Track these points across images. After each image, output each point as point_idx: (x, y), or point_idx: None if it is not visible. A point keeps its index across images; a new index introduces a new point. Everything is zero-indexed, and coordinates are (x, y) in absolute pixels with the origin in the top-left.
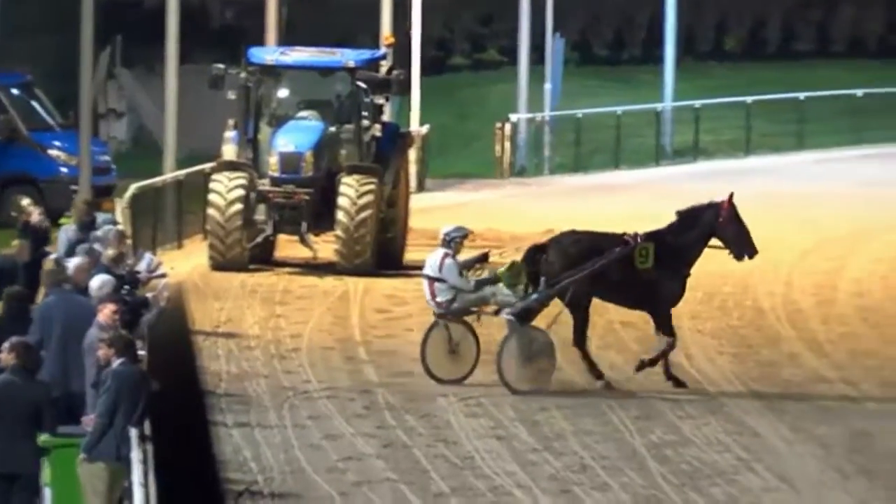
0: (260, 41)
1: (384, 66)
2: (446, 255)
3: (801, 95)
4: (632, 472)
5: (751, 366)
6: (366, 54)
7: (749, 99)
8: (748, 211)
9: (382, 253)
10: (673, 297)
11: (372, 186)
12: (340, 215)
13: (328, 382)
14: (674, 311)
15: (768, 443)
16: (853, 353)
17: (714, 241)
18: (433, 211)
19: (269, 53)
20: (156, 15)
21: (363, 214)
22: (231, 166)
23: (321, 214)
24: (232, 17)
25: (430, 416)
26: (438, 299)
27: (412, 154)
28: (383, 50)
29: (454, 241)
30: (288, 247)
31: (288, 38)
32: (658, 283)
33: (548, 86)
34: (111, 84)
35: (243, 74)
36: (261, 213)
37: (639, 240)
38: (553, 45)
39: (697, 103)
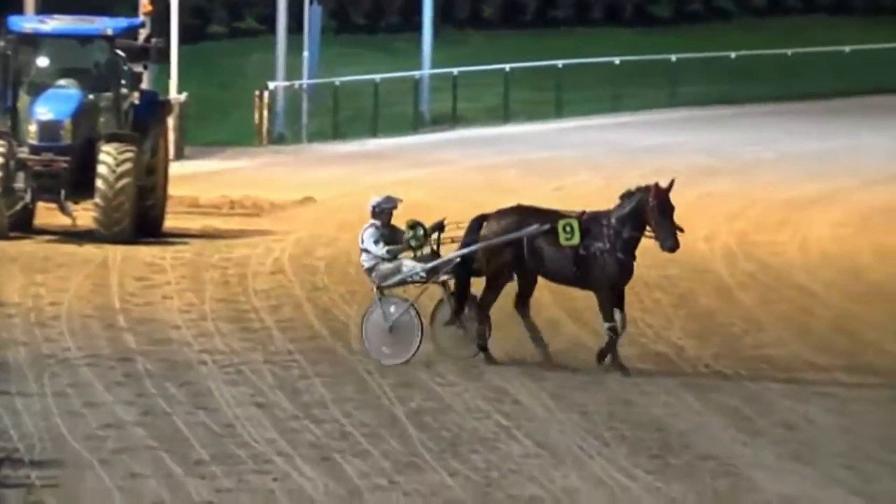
0: (19, 9)
1: (142, 34)
2: (371, 224)
3: (559, 63)
4: (392, 439)
5: (511, 333)
6: (124, 22)
7: (507, 66)
8: (507, 179)
9: (141, 221)
10: (602, 276)
11: (131, 155)
12: (99, 183)
13: (88, 350)
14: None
15: (529, 410)
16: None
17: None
18: (192, 179)
19: (28, 21)
20: None
21: (122, 182)
22: None
23: (80, 182)
24: None
25: (190, 383)
26: (365, 268)
27: (171, 122)
28: (141, 18)
29: (384, 211)
30: (47, 215)
31: (46, 6)
32: (587, 260)
33: (306, 54)
34: None
35: (2, 43)
36: (20, 181)
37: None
38: (310, 13)
39: (455, 71)
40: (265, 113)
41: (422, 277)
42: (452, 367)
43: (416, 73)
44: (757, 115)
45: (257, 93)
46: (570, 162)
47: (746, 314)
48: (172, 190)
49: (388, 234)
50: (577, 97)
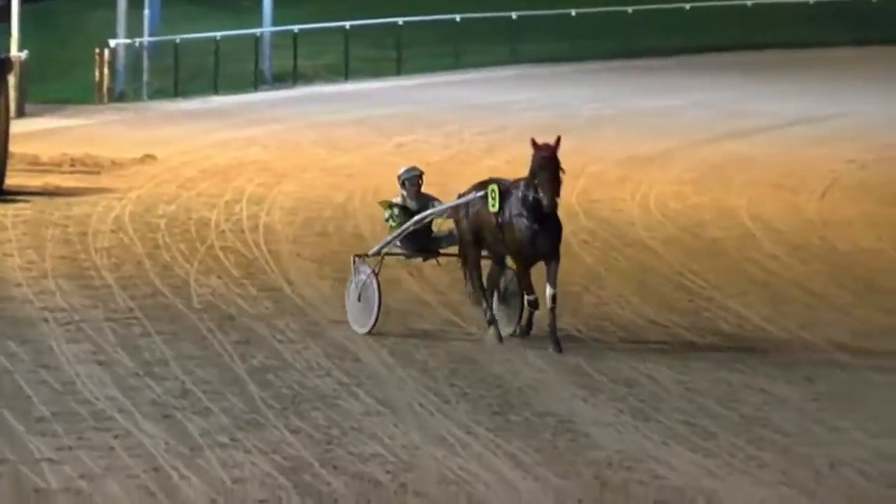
0: None
1: None
2: (399, 195)
3: (400, 20)
4: (233, 396)
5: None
6: None
7: (347, 24)
8: (347, 136)
9: None
10: (514, 243)
11: None
12: None
13: None
14: (273, 234)
15: (369, 367)
16: (456, 278)
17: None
18: (33, 136)
19: None
20: None
21: None
22: None
23: None
24: None
25: (32, 341)
26: None
27: (11, 80)
28: None
29: (405, 182)
30: None
31: None
32: (504, 227)
33: (147, 11)
34: None
35: None
36: None
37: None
38: None
39: (296, 28)
40: (106, 71)
41: (397, 245)
42: (294, 325)
43: (258, 31)
44: (597, 73)
45: (98, 50)
46: (411, 119)
47: (587, 271)
48: (13, 147)
49: (419, 204)
50: (418, 54)
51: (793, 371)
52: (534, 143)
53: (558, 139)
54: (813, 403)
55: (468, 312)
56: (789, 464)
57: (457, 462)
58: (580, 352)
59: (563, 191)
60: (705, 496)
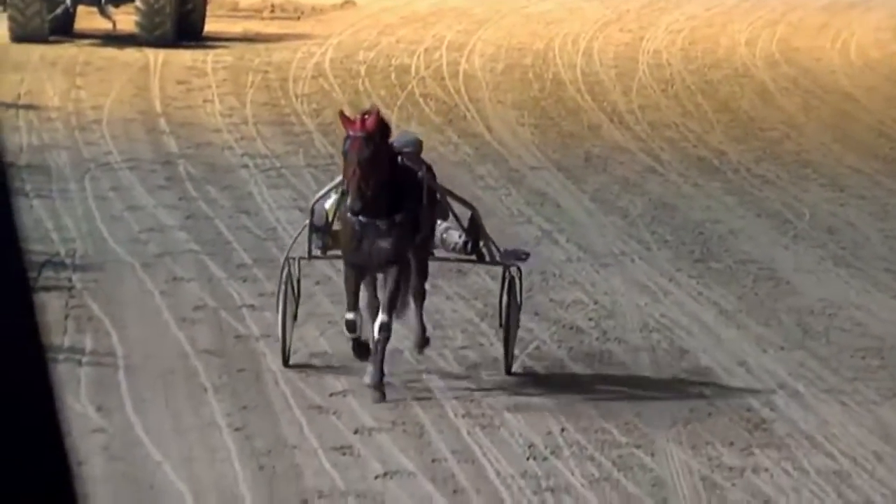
0: None
1: None
2: None
3: None
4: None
5: (552, 137)
6: None
7: None
8: None
9: (182, 24)
10: (341, 244)
11: None
12: None
13: (129, 154)
14: (473, 81)
15: (570, 214)
16: (653, 124)
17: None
18: None
19: None
20: None
21: None
22: None
23: None
24: None
25: (232, 187)
26: None
27: None
28: None
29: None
30: (88, 18)
31: None
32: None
33: None
34: None
35: None
36: None
37: None
38: None
39: None
40: None
41: None
42: (495, 171)
43: None
44: None
45: None
46: None
47: (788, 119)
48: None
49: None
50: None
51: None
52: (342, 117)
53: (377, 112)
54: None
55: (668, 159)
56: None
57: (658, 309)
58: (781, 198)
59: (764, 38)
60: None
